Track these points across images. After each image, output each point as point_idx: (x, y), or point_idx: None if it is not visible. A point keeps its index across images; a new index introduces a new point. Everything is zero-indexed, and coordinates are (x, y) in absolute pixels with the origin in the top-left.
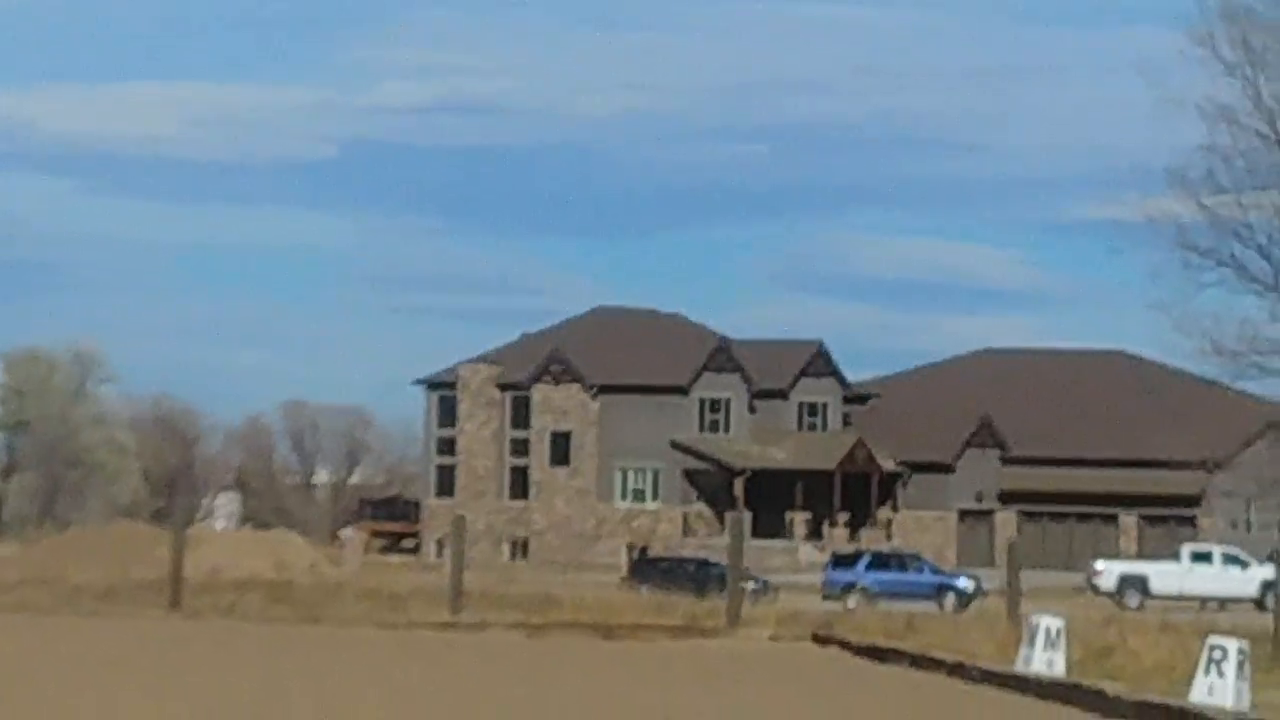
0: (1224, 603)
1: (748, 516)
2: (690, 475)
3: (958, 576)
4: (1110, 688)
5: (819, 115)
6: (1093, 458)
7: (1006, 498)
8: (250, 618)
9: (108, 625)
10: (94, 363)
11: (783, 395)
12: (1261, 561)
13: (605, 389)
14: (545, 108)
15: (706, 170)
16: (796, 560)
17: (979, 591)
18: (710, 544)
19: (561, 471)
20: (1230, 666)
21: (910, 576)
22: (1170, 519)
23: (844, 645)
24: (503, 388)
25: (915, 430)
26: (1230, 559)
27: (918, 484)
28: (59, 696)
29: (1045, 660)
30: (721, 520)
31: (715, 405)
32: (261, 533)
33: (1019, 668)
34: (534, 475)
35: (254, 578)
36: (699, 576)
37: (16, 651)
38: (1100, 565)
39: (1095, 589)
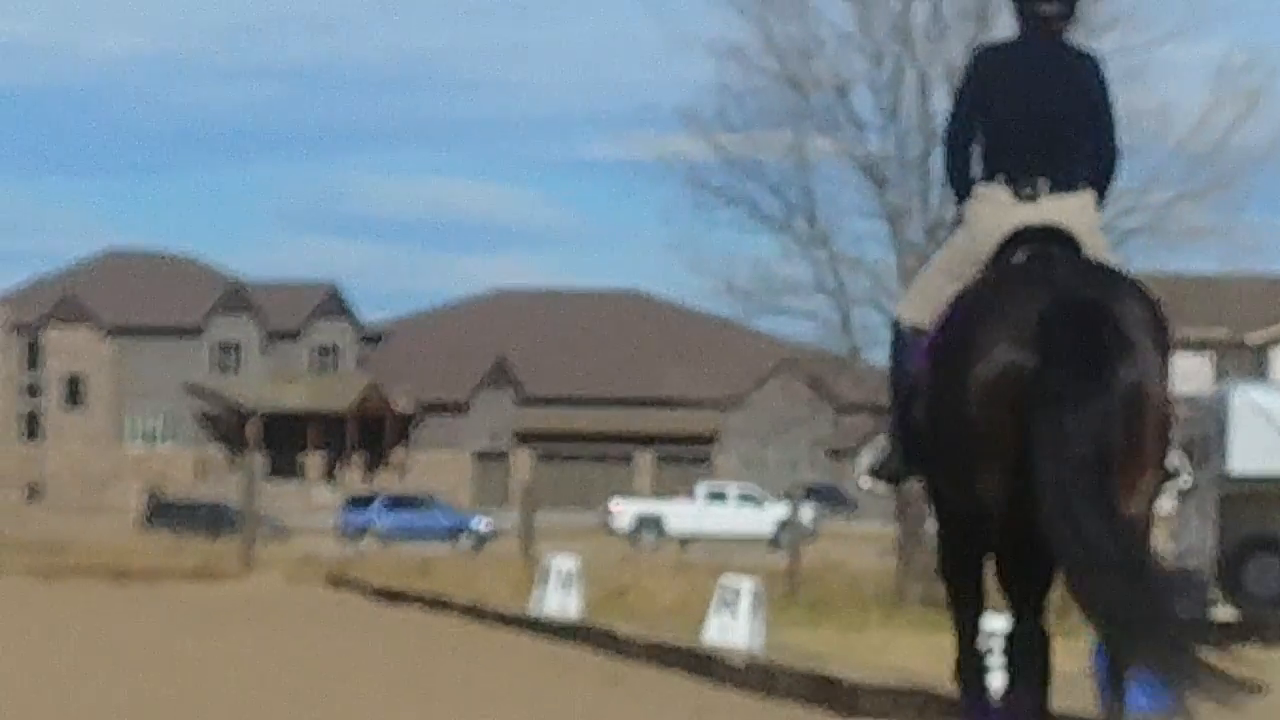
0: (740, 541)
1: (262, 459)
2: (204, 417)
3: (473, 517)
4: (622, 629)
5: (328, 53)
6: (608, 397)
7: (522, 438)
8: None
9: None
10: None
11: (296, 336)
12: (776, 500)
13: (118, 331)
14: (53, 47)
15: (216, 110)
16: (311, 502)
17: (494, 532)
18: (224, 487)
19: (74, 414)
20: (743, 606)
21: (425, 518)
22: (686, 458)
23: (358, 588)
24: (13, 330)
25: (430, 371)
26: (746, 498)
27: (432, 425)
28: None
29: (560, 601)
30: (235, 463)
31: (228, 347)
32: None
33: (532, 609)
34: (46, 418)
35: None
36: (213, 520)
37: None
38: (615, 505)
39: (611, 529)
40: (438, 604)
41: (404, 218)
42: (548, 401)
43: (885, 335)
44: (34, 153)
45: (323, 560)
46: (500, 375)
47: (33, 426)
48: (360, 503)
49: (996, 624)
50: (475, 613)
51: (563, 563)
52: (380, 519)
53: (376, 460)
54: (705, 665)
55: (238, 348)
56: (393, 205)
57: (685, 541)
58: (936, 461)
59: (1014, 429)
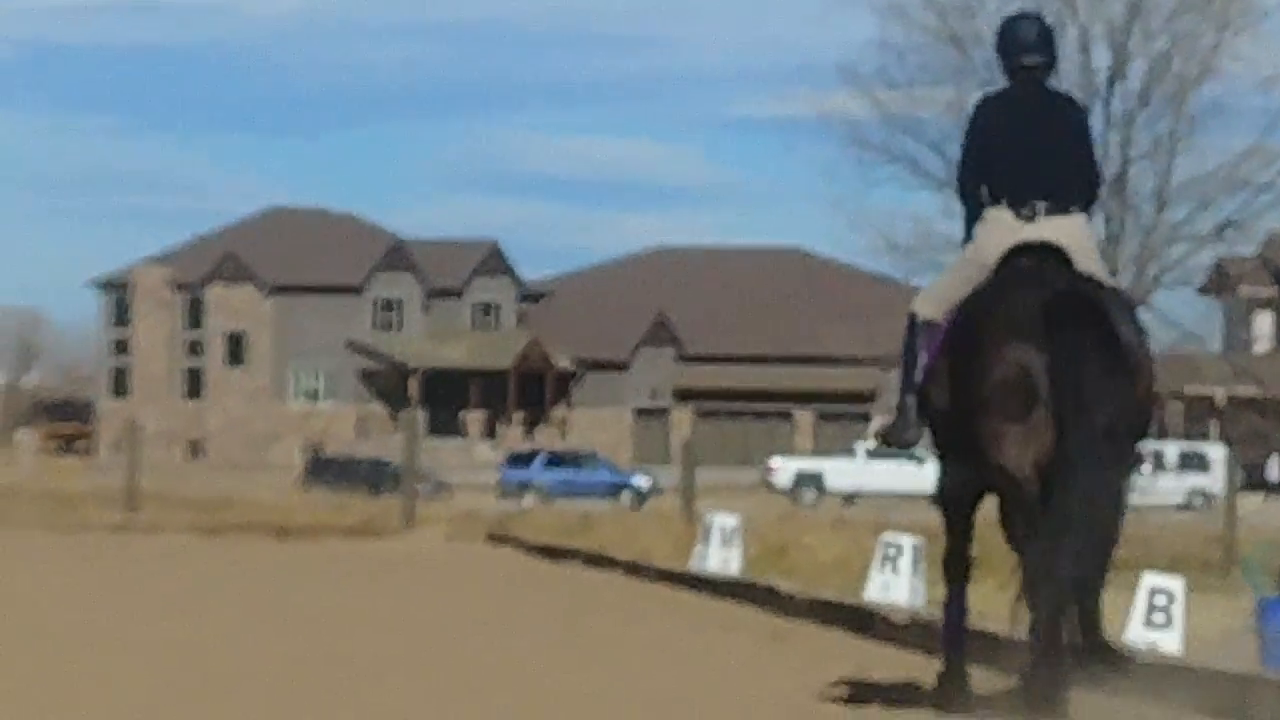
0: (901, 498)
1: (423, 416)
2: (365, 375)
3: (634, 474)
4: (785, 585)
5: (491, 11)
6: (768, 355)
7: (682, 395)
8: None
9: None
10: None
11: (457, 294)
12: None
13: (279, 289)
14: (214, 5)
15: (377, 68)
16: (472, 459)
17: (655, 490)
18: (386, 444)
19: (236, 372)
20: (905, 563)
21: (586, 475)
22: (845, 415)
23: (519, 544)
24: (176, 288)
25: (590, 328)
26: (906, 455)
27: (593, 382)
28: None
29: (721, 558)
30: (396, 420)
31: (389, 304)
32: None
33: (694, 566)
34: (209, 376)
35: None
36: (374, 476)
37: None
38: (776, 462)
39: (771, 486)
40: (599, 560)
41: (565, 175)
42: (708, 359)
43: None
44: (197, 111)
45: (484, 517)
46: (660, 333)
47: (195, 384)
48: (521, 460)
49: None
50: (637, 569)
51: (724, 520)
52: (541, 476)
53: (537, 417)
54: (867, 622)
55: (399, 305)
56: (554, 163)
57: (850, 498)
58: (952, 432)
59: (1022, 408)
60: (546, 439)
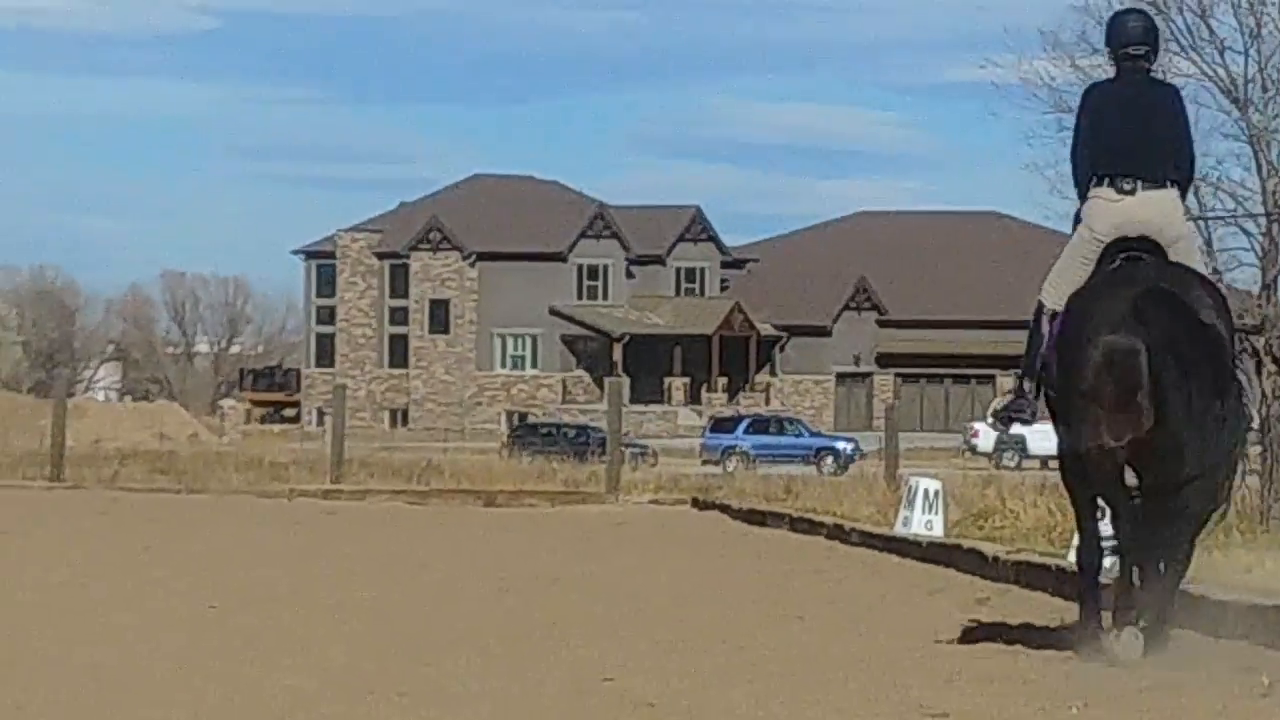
0: None
1: (627, 382)
2: (569, 341)
3: (836, 439)
4: (989, 548)
5: None
6: (969, 319)
7: (884, 360)
8: (133, 488)
9: None
10: None
11: (661, 261)
12: None
13: (484, 256)
14: None
15: (581, 36)
16: (676, 425)
17: (857, 454)
18: (590, 410)
19: (440, 339)
20: (1107, 526)
21: (789, 440)
22: None
23: (724, 509)
24: (381, 256)
25: (792, 294)
26: None
27: (796, 348)
28: None
29: (924, 522)
30: (601, 386)
31: (594, 271)
32: (142, 404)
33: (898, 530)
34: (413, 343)
35: (136, 448)
36: (579, 442)
37: None
38: (977, 426)
39: (973, 450)
40: (804, 524)
41: (766, 141)
42: (909, 324)
43: (1247, 259)
44: (401, 79)
45: (688, 482)
46: (862, 297)
47: (399, 352)
48: (725, 425)
49: None
50: (841, 533)
51: (927, 484)
52: (744, 441)
53: (740, 383)
54: (1071, 583)
55: (603, 272)
56: (755, 129)
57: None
58: (1064, 413)
59: (1117, 394)
60: (750, 404)
